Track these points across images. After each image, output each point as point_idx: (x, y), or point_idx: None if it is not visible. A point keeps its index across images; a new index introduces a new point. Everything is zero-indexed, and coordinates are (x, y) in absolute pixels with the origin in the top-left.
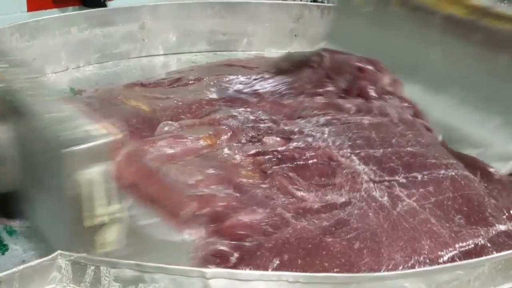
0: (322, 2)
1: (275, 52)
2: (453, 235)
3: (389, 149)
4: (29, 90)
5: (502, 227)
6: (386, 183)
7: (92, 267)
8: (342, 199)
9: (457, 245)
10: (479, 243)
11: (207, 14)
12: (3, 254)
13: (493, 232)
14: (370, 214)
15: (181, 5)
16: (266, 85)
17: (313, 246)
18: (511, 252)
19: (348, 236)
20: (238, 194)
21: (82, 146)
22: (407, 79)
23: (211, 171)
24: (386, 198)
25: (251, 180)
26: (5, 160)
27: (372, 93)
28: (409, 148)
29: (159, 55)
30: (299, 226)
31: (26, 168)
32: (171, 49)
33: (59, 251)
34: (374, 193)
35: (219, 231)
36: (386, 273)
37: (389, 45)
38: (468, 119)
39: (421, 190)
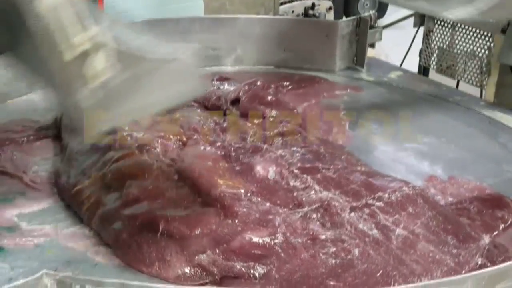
0: (314, 15)
1: (264, 67)
2: (456, 259)
3: (340, 169)
4: None
5: (486, 239)
6: (365, 210)
7: (78, 286)
8: (330, 234)
9: (464, 270)
10: (479, 262)
11: (196, 29)
12: None
13: (483, 246)
14: (371, 252)
15: (170, 20)
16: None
17: None
18: (495, 268)
19: (357, 281)
20: (225, 210)
21: None
22: None
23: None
24: (375, 230)
25: (231, 190)
26: None
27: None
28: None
29: None
30: (307, 258)
31: None
32: None
33: (44, 271)
34: (360, 226)
35: (229, 252)
36: None
37: None
38: None
39: (402, 213)
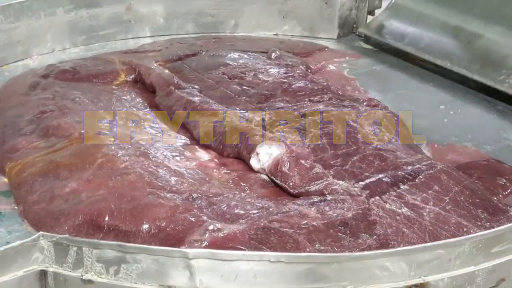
0: None
1: (262, 34)
2: None
3: (352, 155)
4: None
5: None
6: (392, 193)
7: (75, 248)
8: (350, 215)
9: None
10: None
11: None
12: None
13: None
14: (405, 229)
15: None
16: None
17: None
18: (491, 231)
19: None
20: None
21: None
22: None
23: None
24: (405, 209)
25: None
26: None
27: None
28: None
29: (146, 36)
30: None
31: None
32: (158, 31)
33: (41, 233)
34: (387, 206)
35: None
36: (366, 252)
37: None
38: None
39: (429, 192)
